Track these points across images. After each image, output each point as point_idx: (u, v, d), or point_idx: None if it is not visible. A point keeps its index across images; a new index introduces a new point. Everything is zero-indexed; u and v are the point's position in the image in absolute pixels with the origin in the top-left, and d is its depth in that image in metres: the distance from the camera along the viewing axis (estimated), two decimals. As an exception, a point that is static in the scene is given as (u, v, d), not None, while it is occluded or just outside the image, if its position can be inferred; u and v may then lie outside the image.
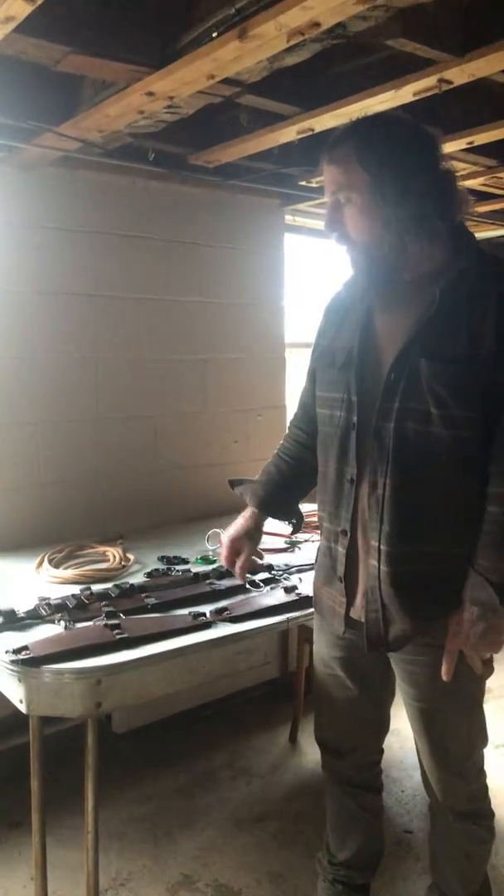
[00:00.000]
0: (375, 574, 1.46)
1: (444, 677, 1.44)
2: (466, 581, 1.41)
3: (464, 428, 1.37)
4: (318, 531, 1.69)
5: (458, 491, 1.42)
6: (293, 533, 1.94)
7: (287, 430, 1.89)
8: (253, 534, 1.82)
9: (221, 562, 1.85)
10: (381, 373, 1.45)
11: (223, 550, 1.83)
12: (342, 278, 1.64)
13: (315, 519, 1.73)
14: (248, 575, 2.08)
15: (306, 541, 2.44)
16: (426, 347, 1.38)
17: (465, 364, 1.35)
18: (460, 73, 1.71)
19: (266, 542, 2.39)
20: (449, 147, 2.32)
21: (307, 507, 1.86)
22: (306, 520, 2.50)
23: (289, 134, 2.17)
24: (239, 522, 1.83)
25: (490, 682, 1.60)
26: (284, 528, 1.96)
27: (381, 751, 1.83)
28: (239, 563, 1.81)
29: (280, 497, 1.83)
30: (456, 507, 1.42)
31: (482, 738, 1.61)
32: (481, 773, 1.63)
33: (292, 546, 2.43)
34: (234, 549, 1.81)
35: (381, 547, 1.44)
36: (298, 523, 1.89)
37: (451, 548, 1.43)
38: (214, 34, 1.50)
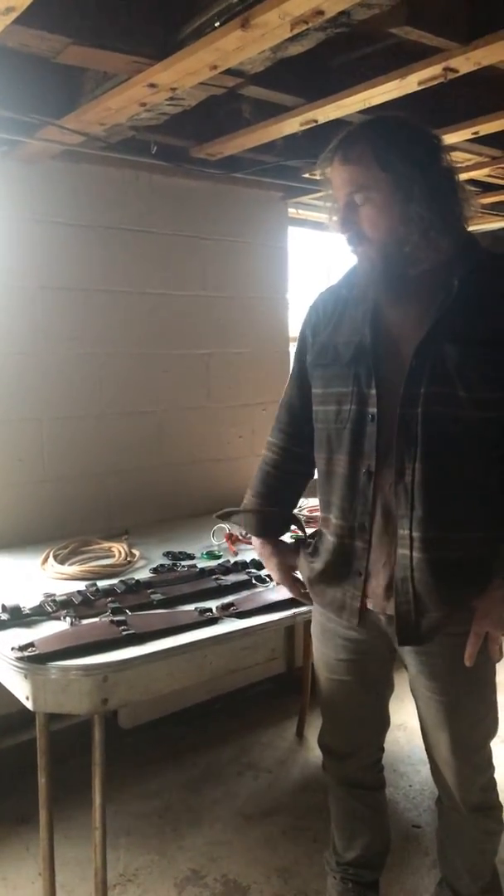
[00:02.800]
0: (407, 563, 1.44)
1: (467, 661, 1.44)
2: (496, 561, 1.43)
3: (492, 409, 1.39)
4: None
5: (485, 473, 1.43)
6: (302, 532, 1.93)
7: (270, 438, 1.84)
8: (287, 556, 1.78)
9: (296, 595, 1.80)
10: (400, 362, 1.44)
11: (287, 585, 1.79)
12: (340, 273, 1.63)
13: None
14: (253, 570, 2.08)
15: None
16: (450, 332, 1.39)
17: (490, 346, 1.37)
18: (466, 62, 1.68)
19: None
20: (454, 137, 2.30)
21: (311, 503, 1.86)
22: (309, 515, 2.52)
23: (292, 125, 2.14)
24: (270, 563, 1.79)
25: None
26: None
27: (383, 749, 1.83)
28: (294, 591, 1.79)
29: (277, 516, 1.82)
30: (485, 489, 1.44)
31: (495, 728, 1.61)
32: (491, 765, 1.63)
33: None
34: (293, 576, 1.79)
35: (414, 534, 1.43)
36: (300, 527, 1.87)
37: (483, 531, 1.44)
38: (217, 24, 1.48)
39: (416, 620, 1.46)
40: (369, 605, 1.53)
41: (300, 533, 1.84)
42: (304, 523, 1.89)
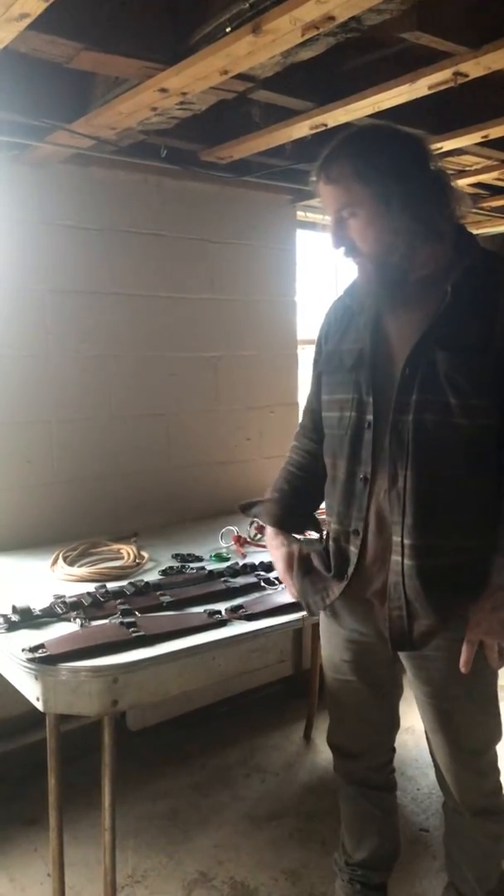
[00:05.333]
0: (399, 570, 1.45)
1: (463, 669, 1.44)
2: (490, 568, 1.42)
3: (483, 417, 1.39)
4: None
5: (479, 481, 1.43)
6: (318, 534, 1.93)
7: (295, 441, 1.87)
8: (293, 550, 1.75)
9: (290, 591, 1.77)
10: (394, 369, 1.46)
11: (286, 580, 1.76)
12: (349, 280, 1.64)
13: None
14: (262, 573, 2.08)
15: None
16: (442, 339, 1.40)
17: (481, 353, 1.37)
18: (476, 66, 1.69)
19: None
20: (463, 141, 2.31)
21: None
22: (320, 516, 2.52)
23: (302, 129, 2.15)
24: (277, 553, 1.76)
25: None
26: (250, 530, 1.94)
27: (393, 749, 1.83)
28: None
29: (295, 513, 1.81)
30: (476, 496, 1.43)
31: (498, 734, 1.60)
32: (496, 769, 1.62)
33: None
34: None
35: (405, 541, 1.43)
36: (318, 529, 1.86)
37: (474, 538, 1.44)
38: (228, 29, 1.49)
39: (409, 626, 1.46)
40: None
41: (314, 534, 1.85)
42: (321, 525, 1.88)
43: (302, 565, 1.67)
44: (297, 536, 1.82)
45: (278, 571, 1.78)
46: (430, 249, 1.43)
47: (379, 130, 1.50)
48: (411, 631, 1.46)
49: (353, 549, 1.53)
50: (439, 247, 1.44)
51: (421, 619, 1.45)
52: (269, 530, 1.82)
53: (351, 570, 1.54)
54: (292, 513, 1.81)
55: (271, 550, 1.81)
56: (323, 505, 1.73)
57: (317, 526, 1.86)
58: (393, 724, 1.78)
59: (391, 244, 1.41)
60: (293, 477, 1.83)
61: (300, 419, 1.90)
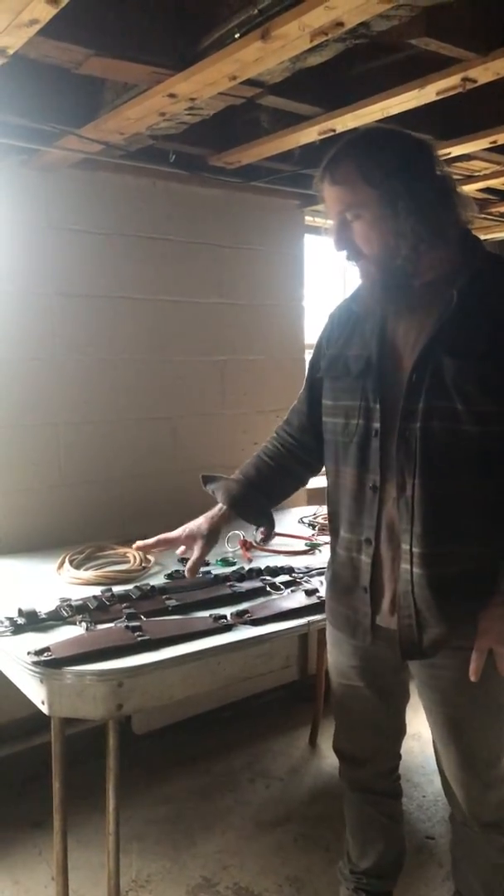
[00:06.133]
0: (408, 578, 1.44)
1: (472, 677, 1.42)
2: (497, 576, 1.41)
3: (492, 423, 1.37)
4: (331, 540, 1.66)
5: (487, 488, 1.41)
6: (264, 541, 1.90)
7: (274, 434, 1.85)
8: (211, 536, 1.77)
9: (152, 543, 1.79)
10: (401, 376, 1.45)
11: (173, 534, 1.78)
12: (356, 285, 1.63)
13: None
14: (268, 577, 2.08)
15: (326, 543, 2.42)
16: (448, 345, 1.38)
17: (489, 359, 1.35)
18: (485, 72, 1.69)
19: (287, 544, 2.40)
20: (471, 146, 2.31)
21: (322, 511, 1.84)
22: (324, 522, 2.51)
23: (310, 135, 2.15)
24: (198, 521, 1.78)
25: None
26: (256, 534, 1.91)
27: (399, 756, 1.81)
28: (190, 564, 1.76)
29: (255, 499, 1.79)
30: (486, 504, 1.42)
31: None
32: None
33: (313, 548, 2.42)
34: (188, 545, 1.77)
35: (414, 549, 1.42)
36: (270, 529, 1.85)
37: (483, 546, 1.42)
38: (237, 35, 1.49)
39: (418, 635, 1.45)
40: (378, 621, 1.53)
41: (261, 535, 1.84)
42: (273, 525, 1.84)
43: (326, 590, 1.66)
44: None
45: (179, 530, 1.78)
46: (435, 254, 1.42)
47: (385, 133, 1.49)
48: (421, 640, 1.45)
49: (366, 559, 1.52)
50: (444, 252, 1.43)
51: (431, 627, 1.44)
52: (216, 507, 1.79)
53: (367, 579, 1.52)
54: (250, 499, 1.78)
55: (196, 520, 1.79)
56: (323, 510, 1.73)
57: (271, 524, 1.83)
58: (400, 730, 1.78)
59: (395, 247, 1.40)
60: (264, 466, 1.81)
61: (286, 418, 1.87)
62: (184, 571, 2.14)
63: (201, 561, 1.77)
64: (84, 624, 1.74)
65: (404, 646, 1.48)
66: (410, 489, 1.42)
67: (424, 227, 1.38)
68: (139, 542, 1.82)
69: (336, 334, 1.64)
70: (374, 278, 1.46)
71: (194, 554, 1.76)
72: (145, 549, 1.83)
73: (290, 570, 2.14)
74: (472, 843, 1.64)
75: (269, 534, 1.86)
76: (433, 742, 1.62)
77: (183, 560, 2.27)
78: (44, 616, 1.77)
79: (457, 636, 1.44)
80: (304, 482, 1.84)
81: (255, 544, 2.39)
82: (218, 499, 1.80)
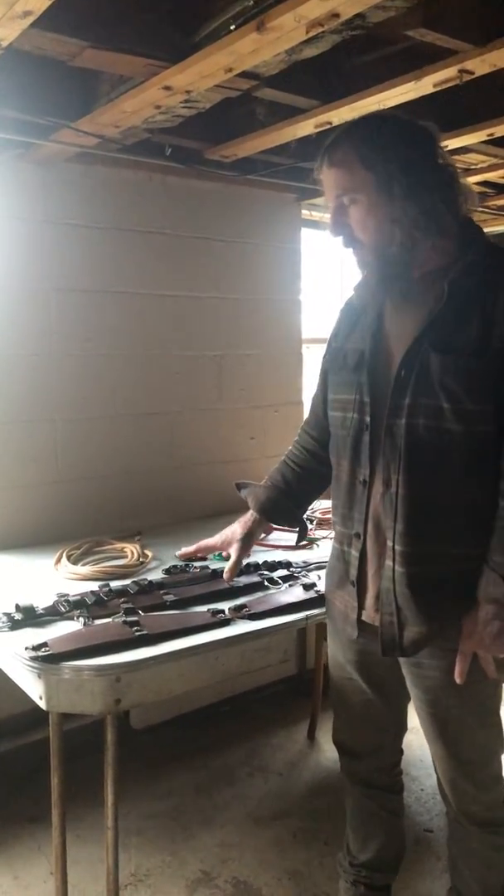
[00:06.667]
0: (390, 576, 1.44)
1: (458, 680, 1.42)
2: (480, 579, 1.39)
3: (478, 422, 1.35)
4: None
5: (472, 488, 1.39)
6: (298, 542, 1.93)
7: (298, 434, 1.87)
8: (246, 540, 1.83)
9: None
10: (391, 371, 1.43)
11: (212, 541, 1.88)
12: (355, 279, 1.62)
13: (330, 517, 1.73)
14: (266, 572, 2.08)
15: (324, 538, 2.43)
16: (436, 341, 1.37)
17: (476, 356, 1.33)
18: (482, 64, 1.68)
19: (284, 538, 2.40)
20: (469, 139, 2.30)
21: (324, 505, 1.86)
22: (322, 517, 2.51)
23: (306, 127, 2.15)
24: (233, 526, 1.85)
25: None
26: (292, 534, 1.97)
27: (401, 751, 1.81)
28: (228, 566, 1.84)
29: (283, 504, 1.82)
30: (471, 504, 1.40)
31: (500, 746, 1.57)
32: (499, 782, 1.59)
33: (310, 543, 2.42)
34: (226, 550, 1.86)
35: (396, 547, 1.42)
36: (302, 532, 1.88)
37: (466, 547, 1.41)
38: (232, 27, 1.48)
39: (399, 633, 1.45)
40: (363, 617, 1.53)
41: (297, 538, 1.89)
42: (308, 531, 1.89)
43: (324, 581, 1.69)
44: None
45: (217, 537, 1.88)
46: (432, 244, 1.40)
47: (386, 118, 1.48)
48: (402, 638, 1.45)
49: (355, 553, 1.52)
50: (441, 242, 1.41)
51: (411, 626, 1.43)
52: (249, 513, 1.85)
53: (354, 573, 1.53)
54: (279, 504, 1.81)
55: (232, 525, 1.87)
56: (326, 504, 1.73)
57: (303, 528, 1.87)
58: (400, 726, 1.77)
59: (390, 234, 1.38)
60: (289, 471, 1.83)
61: (304, 419, 1.90)
62: (182, 566, 2.16)
63: (239, 564, 1.85)
64: (82, 619, 1.73)
65: (385, 642, 1.47)
66: (395, 485, 1.41)
67: (420, 214, 1.36)
68: (182, 550, 1.94)
69: (342, 328, 1.63)
70: (371, 267, 1.44)
71: (232, 557, 1.84)
72: (187, 557, 1.96)
73: (287, 565, 2.14)
74: (466, 840, 1.64)
75: (303, 536, 1.90)
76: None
77: (187, 563, 2.26)
78: (41, 611, 1.77)
79: (440, 636, 1.43)
80: (331, 479, 1.82)
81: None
82: (249, 505, 1.85)
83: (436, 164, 1.40)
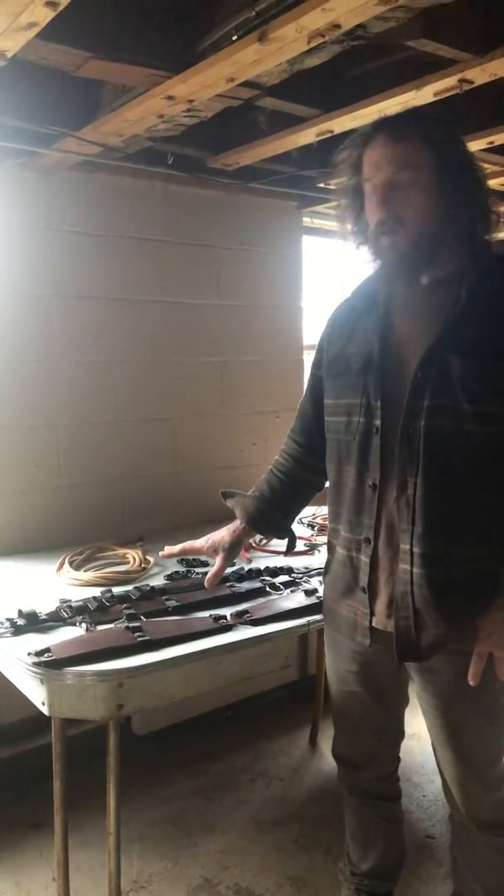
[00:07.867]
0: (407, 579, 1.43)
1: (472, 682, 1.42)
2: (497, 579, 1.40)
3: (498, 423, 1.36)
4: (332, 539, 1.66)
5: (491, 489, 1.40)
6: (288, 551, 1.91)
7: (283, 445, 1.86)
8: (232, 549, 1.81)
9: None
10: (405, 374, 1.43)
11: (198, 543, 1.84)
12: (354, 282, 1.63)
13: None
14: (267, 577, 2.08)
15: (325, 543, 2.43)
16: (456, 344, 1.37)
17: (496, 359, 1.35)
18: (482, 73, 1.69)
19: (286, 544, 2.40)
20: (469, 147, 2.31)
21: (321, 511, 1.85)
22: (324, 523, 2.52)
23: (308, 136, 2.16)
24: (221, 533, 1.82)
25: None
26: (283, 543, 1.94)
27: (398, 759, 1.81)
28: (210, 575, 1.82)
29: (270, 514, 1.80)
30: (490, 505, 1.41)
31: None
32: None
33: (312, 549, 2.42)
34: (210, 556, 1.83)
35: (414, 549, 1.41)
36: (291, 542, 1.86)
37: (485, 548, 1.41)
38: (234, 37, 1.49)
39: (416, 637, 1.44)
40: (374, 623, 1.52)
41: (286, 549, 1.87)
42: (294, 538, 1.87)
43: (326, 591, 1.69)
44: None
45: (203, 540, 1.84)
46: (454, 247, 1.42)
47: (440, 115, 1.51)
48: (419, 641, 1.44)
49: (365, 559, 1.51)
50: (459, 248, 1.43)
51: (429, 629, 1.43)
52: (235, 522, 1.82)
53: (365, 579, 1.51)
54: (266, 514, 1.80)
55: (218, 531, 1.83)
56: (323, 510, 1.73)
57: (292, 537, 1.86)
58: (398, 734, 1.77)
59: (438, 221, 1.39)
60: (276, 480, 1.82)
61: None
62: (184, 572, 2.16)
63: (221, 572, 1.83)
64: (84, 625, 1.74)
65: (401, 647, 1.46)
66: (412, 488, 1.41)
67: (464, 207, 1.39)
68: (166, 549, 1.91)
69: (337, 333, 1.63)
70: (402, 251, 1.42)
71: (216, 566, 1.82)
72: (171, 556, 1.93)
73: (289, 571, 2.14)
74: (471, 844, 1.64)
75: (292, 547, 1.88)
76: (432, 744, 1.62)
77: (182, 561, 2.27)
78: (44, 617, 1.78)
79: (458, 639, 1.43)
80: (320, 487, 1.82)
81: (254, 545, 2.40)
82: (237, 515, 1.83)
83: (478, 174, 1.44)
